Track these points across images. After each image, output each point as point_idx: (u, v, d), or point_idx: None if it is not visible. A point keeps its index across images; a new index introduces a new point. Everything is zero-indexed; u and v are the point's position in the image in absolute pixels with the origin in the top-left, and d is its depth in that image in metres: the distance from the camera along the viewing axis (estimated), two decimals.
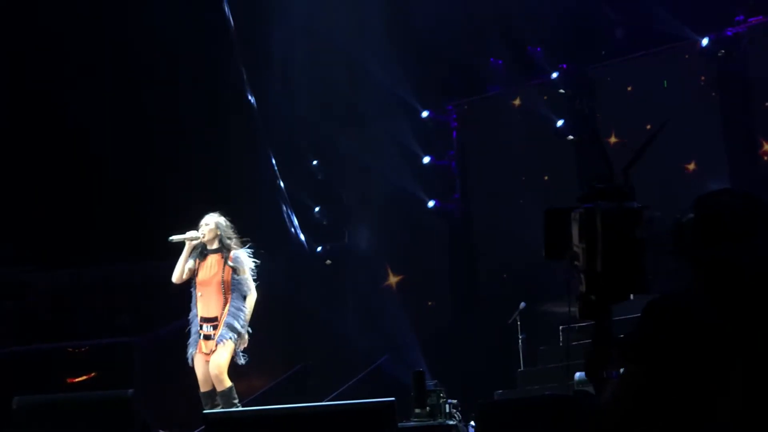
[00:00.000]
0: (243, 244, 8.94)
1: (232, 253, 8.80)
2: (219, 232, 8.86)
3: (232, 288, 8.78)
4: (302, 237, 16.48)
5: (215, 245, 8.85)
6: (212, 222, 8.90)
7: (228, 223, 8.97)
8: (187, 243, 8.84)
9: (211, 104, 15.51)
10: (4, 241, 14.90)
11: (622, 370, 2.94)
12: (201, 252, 8.87)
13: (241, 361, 8.86)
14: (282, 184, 16.29)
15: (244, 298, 8.86)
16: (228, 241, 8.84)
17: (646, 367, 2.85)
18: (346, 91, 15.67)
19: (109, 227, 14.99)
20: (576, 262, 2.95)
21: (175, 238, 8.84)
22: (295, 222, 16.40)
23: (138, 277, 15.33)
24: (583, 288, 2.94)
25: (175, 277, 8.87)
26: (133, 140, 15.18)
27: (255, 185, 15.76)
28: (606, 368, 2.97)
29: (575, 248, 2.95)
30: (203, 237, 8.84)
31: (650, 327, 2.88)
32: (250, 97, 16.04)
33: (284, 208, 16.28)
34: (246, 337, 8.77)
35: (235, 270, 8.78)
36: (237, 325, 8.71)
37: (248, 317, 8.80)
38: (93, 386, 13.75)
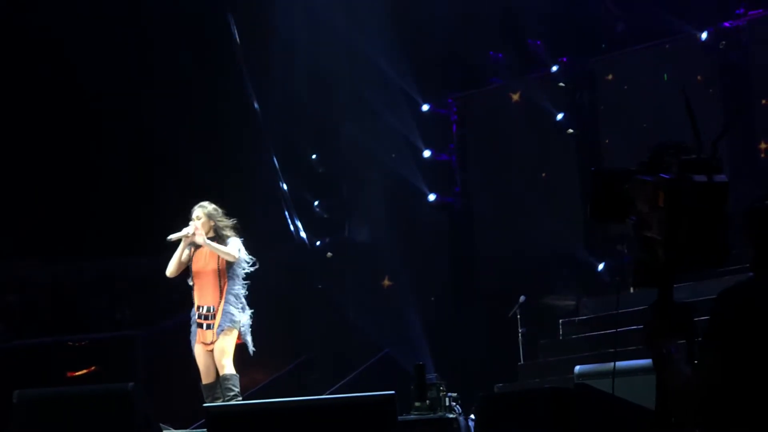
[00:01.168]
0: (235, 229, 8.85)
1: (226, 239, 8.75)
2: (212, 222, 8.81)
3: (228, 275, 8.71)
4: (303, 235, 16.48)
5: (210, 235, 8.79)
6: (203, 214, 8.82)
7: (218, 209, 8.88)
8: (184, 239, 8.80)
9: (211, 100, 15.50)
10: (4, 235, 14.90)
11: (693, 357, 2.94)
12: (195, 242, 8.85)
13: (251, 348, 8.82)
14: (283, 180, 16.30)
15: (242, 284, 8.80)
16: (223, 232, 8.77)
17: (721, 354, 2.85)
18: (346, 84, 15.68)
19: (110, 221, 15.00)
20: (647, 231, 2.91)
21: (173, 236, 8.81)
22: (297, 222, 16.40)
23: (139, 271, 15.32)
24: (654, 256, 2.91)
25: (170, 271, 8.84)
26: (134, 136, 15.18)
27: (255, 181, 15.76)
28: (666, 341, 2.95)
29: (645, 215, 2.92)
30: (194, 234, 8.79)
31: (723, 315, 2.88)
32: (250, 93, 16.04)
33: (285, 206, 16.28)
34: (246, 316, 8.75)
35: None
36: (235, 312, 8.65)
37: (220, 248, 8.65)
38: (93, 380, 13.76)
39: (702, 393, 2.88)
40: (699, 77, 14.38)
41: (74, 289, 15.75)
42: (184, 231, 8.79)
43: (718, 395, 2.88)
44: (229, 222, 8.86)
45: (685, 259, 2.86)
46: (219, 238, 8.79)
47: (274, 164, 16.22)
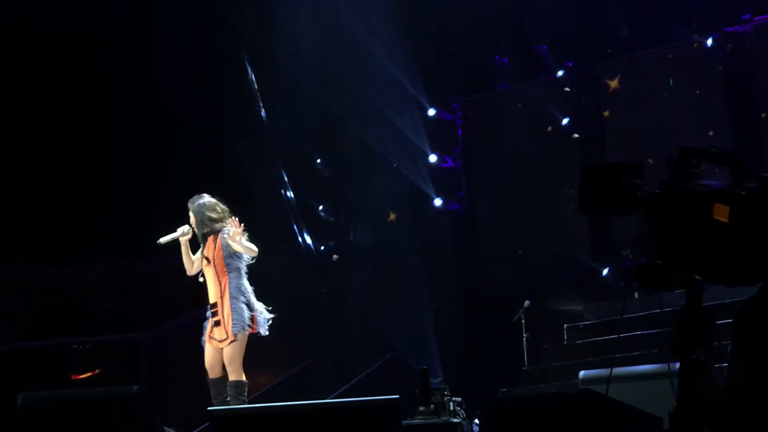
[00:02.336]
0: (232, 215, 8.67)
1: (221, 232, 8.62)
2: (198, 217, 8.68)
3: (228, 269, 8.56)
4: (309, 241, 16.50)
5: (205, 229, 8.70)
6: (191, 212, 8.75)
7: (208, 201, 8.71)
8: (181, 239, 8.75)
9: (217, 103, 15.52)
10: (8, 237, 14.92)
11: (726, 364, 2.92)
12: (202, 237, 8.76)
13: (263, 333, 8.69)
14: (288, 185, 16.32)
15: (245, 277, 8.64)
16: (212, 223, 8.61)
17: (758, 361, 2.83)
18: (353, 87, 15.67)
19: (115, 224, 15.01)
20: (678, 239, 2.87)
21: (162, 240, 8.74)
22: (303, 229, 16.41)
23: (143, 273, 15.34)
24: (683, 264, 2.87)
25: (187, 272, 8.82)
26: (138, 138, 15.20)
27: (260, 183, 15.76)
28: (694, 349, 2.92)
29: (679, 223, 2.88)
30: (190, 232, 8.75)
31: (757, 321, 2.86)
32: (256, 98, 16.07)
33: (290, 213, 16.29)
34: (259, 312, 8.63)
35: (226, 248, 8.60)
36: (244, 308, 8.52)
37: (245, 247, 8.45)
38: (98, 383, 13.77)
39: (738, 404, 2.85)
40: (704, 82, 14.36)
41: (78, 291, 15.76)
42: (179, 231, 8.73)
43: (754, 406, 2.85)
44: (220, 214, 8.68)
45: (724, 273, 2.82)
46: (211, 230, 8.68)
47: (280, 168, 16.24)
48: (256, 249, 8.53)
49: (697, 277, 2.89)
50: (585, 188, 3.08)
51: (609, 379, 7.12)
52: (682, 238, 2.88)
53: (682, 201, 2.89)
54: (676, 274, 2.93)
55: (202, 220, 8.68)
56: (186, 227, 8.73)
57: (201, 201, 8.74)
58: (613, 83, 15.34)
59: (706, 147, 3.01)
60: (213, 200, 8.78)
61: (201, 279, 8.72)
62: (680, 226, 2.88)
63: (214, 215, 8.68)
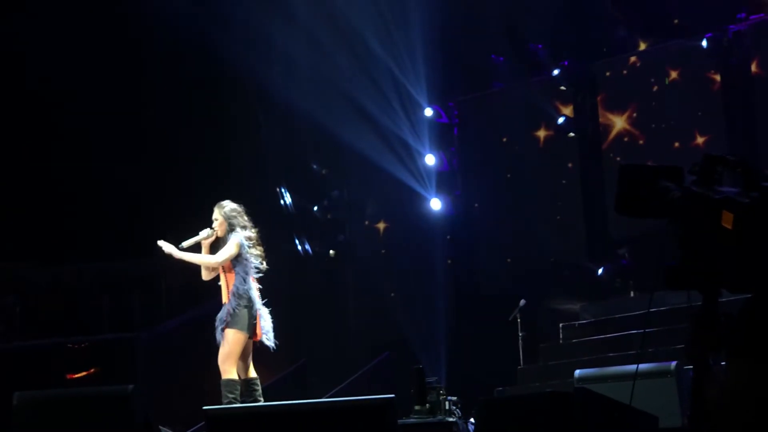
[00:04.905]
0: (255, 227, 8.80)
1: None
2: (227, 222, 8.77)
3: (235, 270, 8.61)
4: (308, 246, 16.51)
5: (230, 234, 8.73)
6: (219, 215, 8.80)
7: (236, 207, 8.81)
8: (203, 243, 8.77)
9: (215, 107, 15.53)
10: (4, 237, 14.91)
11: (724, 363, 2.93)
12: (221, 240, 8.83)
13: (270, 343, 8.76)
14: (285, 188, 16.34)
15: (246, 281, 8.68)
16: (237, 228, 8.68)
17: (752, 361, 2.84)
18: (348, 87, 15.66)
19: (111, 224, 15.00)
20: (694, 244, 2.90)
21: (185, 243, 8.77)
22: (304, 241, 16.43)
23: (139, 273, 15.33)
24: (700, 268, 2.91)
25: (203, 276, 8.82)
26: (135, 141, 15.20)
27: (257, 182, 15.77)
28: (708, 353, 2.94)
29: (696, 227, 2.91)
30: (216, 233, 8.78)
31: (754, 322, 2.87)
32: (253, 95, 16.07)
33: (288, 218, 16.32)
34: (243, 314, 8.61)
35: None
36: (236, 311, 8.46)
37: (196, 257, 8.59)
38: (93, 382, 13.75)
39: (733, 404, 2.86)
40: (700, 81, 14.37)
41: (74, 290, 15.75)
42: (201, 234, 8.75)
43: (747, 406, 2.86)
44: (246, 222, 8.79)
45: (728, 279, 2.85)
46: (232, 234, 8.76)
47: (276, 171, 16.26)
48: (216, 260, 8.57)
49: (710, 281, 2.92)
50: (622, 189, 3.11)
51: (635, 376, 7.09)
52: (696, 242, 2.92)
53: (697, 206, 2.92)
54: (696, 276, 2.97)
55: (230, 225, 8.72)
56: (209, 230, 8.78)
57: (232, 206, 8.83)
58: (610, 81, 15.34)
59: (725, 154, 3.05)
60: (240, 208, 8.86)
61: (219, 283, 8.75)
62: (695, 231, 2.93)
63: (243, 223, 8.76)
